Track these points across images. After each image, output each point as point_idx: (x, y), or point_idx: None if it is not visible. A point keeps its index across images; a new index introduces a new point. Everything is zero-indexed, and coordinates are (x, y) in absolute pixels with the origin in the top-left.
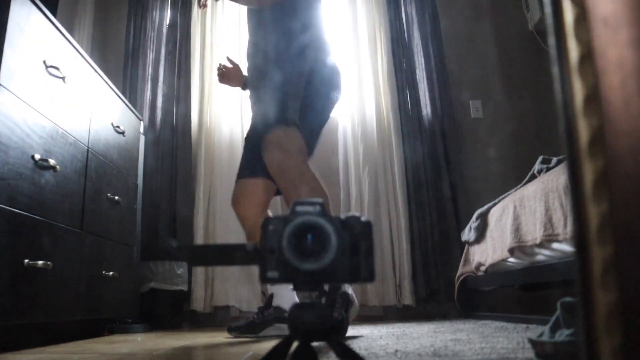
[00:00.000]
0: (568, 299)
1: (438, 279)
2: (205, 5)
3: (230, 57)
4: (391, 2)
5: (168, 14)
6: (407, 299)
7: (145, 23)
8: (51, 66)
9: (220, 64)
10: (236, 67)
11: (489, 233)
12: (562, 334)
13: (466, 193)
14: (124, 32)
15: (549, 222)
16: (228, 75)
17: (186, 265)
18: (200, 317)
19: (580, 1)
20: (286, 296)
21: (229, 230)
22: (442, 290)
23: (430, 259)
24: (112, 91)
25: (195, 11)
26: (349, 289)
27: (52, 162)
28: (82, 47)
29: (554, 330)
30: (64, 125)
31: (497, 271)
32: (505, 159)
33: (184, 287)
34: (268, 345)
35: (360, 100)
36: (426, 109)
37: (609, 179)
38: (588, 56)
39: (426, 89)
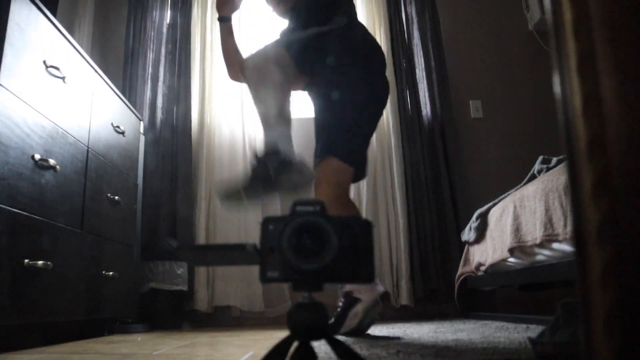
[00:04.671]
0: (568, 299)
1: (437, 279)
2: None
3: None
4: (391, 2)
5: (168, 14)
6: (405, 299)
7: (145, 23)
8: (51, 66)
9: None
10: (236, 4)
11: (489, 233)
12: (562, 335)
13: (466, 193)
14: (124, 32)
15: (549, 222)
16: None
17: (186, 265)
18: (200, 317)
19: (580, 1)
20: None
21: (229, 230)
22: (442, 290)
23: (429, 259)
24: (112, 91)
25: (195, 11)
26: (362, 295)
27: (52, 162)
28: (82, 47)
29: (554, 330)
30: (64, 125)
31: (497, 271)
32: (505, 159)
33: (184, 287)
34: (268, 344)
35: None
36: (426, 109)
37: (609, 179)
38: (588, 56)
39: (426, 89)
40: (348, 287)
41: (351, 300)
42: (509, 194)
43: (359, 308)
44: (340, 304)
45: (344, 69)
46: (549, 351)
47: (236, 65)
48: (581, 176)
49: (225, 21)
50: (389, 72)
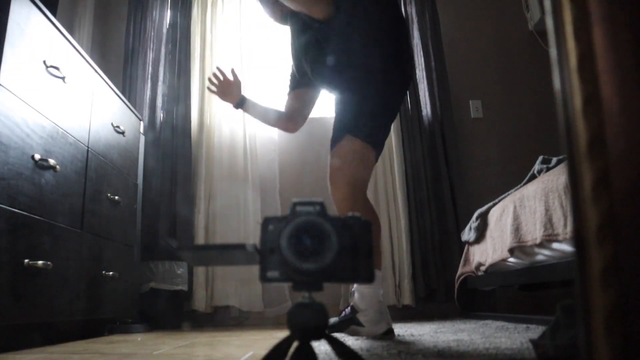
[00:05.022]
0: (568, 301)
1: (438, 279)
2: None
3: (234, 70)
4: None
5: (168, 14)
6: (407, 299)
7: (145, 23)
8: (51, 66)
9: (217, 74)
10: (237, 82)
11: (489, 233)
12: (563, 337)
13: (466, 193)
14: (124, 32)
15: (549, 222)
16: (226, 89)
17: (186, 265)
18: (200, 317)
19: (580, 1)
20: (364, 293)
21: (229, 230)
22: (442, 290)
23: (430, 259)
24: (112, 91)
25: (195, 11)
26: (362, 315)
27: (52, 162)
28: (82, 47)
29: (554, 332)
30: (64, 125)
31: (497, 271)
32: (505, 159)
33: (184, 287)
34: (268, 344)
35: None
36: (426, 109)
37: (608, 179)
38: (588, 56)
39: (426, 89)
40: (356, 299)
41: (356, 322)
42: (509, 194)
43: (361, 331)
44: (345, 312)
45: (348, 69)
46: (550, 353)
47: (285, 120)
48: (581, 176)
49: (239, 107)
50: None
